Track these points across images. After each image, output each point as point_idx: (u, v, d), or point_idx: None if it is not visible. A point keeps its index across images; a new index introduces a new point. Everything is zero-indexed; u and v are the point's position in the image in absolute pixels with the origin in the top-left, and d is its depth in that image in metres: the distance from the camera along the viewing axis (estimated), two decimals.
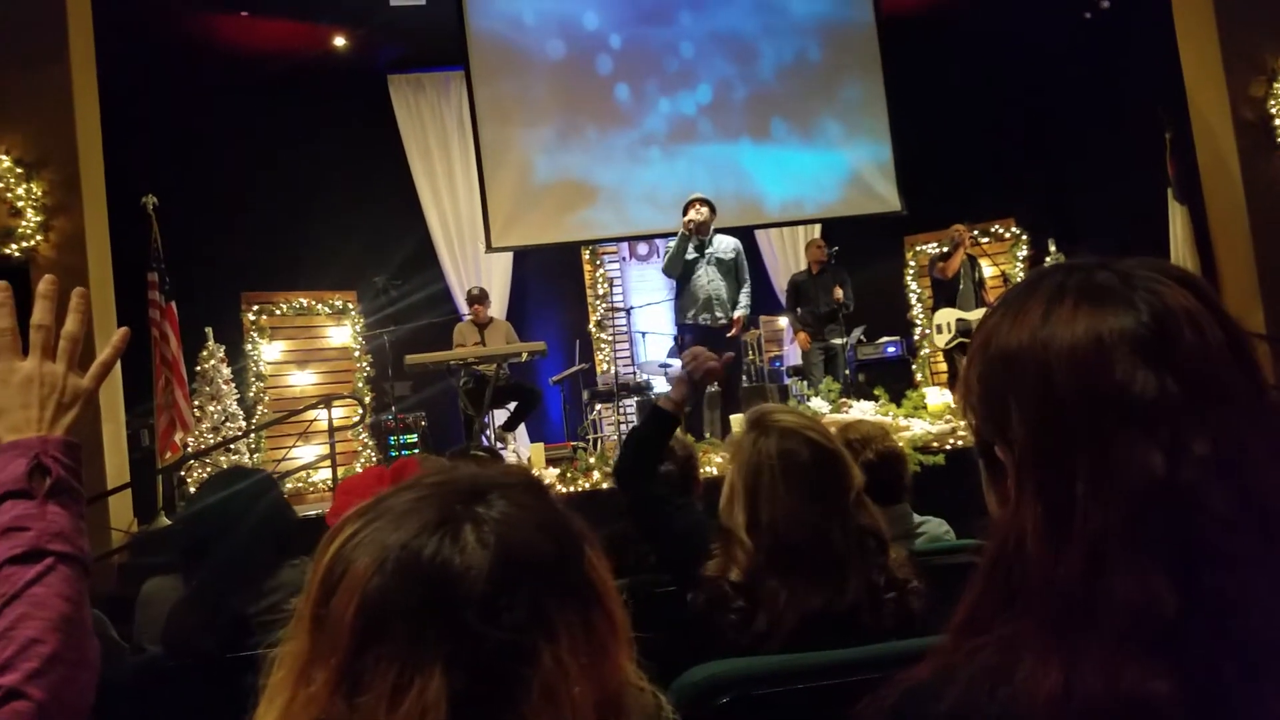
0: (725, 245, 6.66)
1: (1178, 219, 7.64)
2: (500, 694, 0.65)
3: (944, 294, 7.82)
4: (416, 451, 7.45)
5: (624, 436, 2.46)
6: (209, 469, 6.89)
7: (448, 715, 0.63)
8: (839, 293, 7.76)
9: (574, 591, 0.71)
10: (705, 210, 6.55)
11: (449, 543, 0.68)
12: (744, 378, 8.55)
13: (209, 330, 7.92)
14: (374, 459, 8.24)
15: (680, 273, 6.59)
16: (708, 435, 6.41)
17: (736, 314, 6.55)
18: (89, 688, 0.91)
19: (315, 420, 7.78)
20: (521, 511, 0.72)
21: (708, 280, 6.49)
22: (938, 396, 6.23)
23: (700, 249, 6.55)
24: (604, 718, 0.68)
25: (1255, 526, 0.66)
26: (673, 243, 6.66)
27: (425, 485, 0.74)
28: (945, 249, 7.89)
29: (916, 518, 2.83)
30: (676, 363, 7.13)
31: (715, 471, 5.02)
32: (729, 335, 6.51)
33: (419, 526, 0.69)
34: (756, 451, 1.85)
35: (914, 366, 9.34)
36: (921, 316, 9.89)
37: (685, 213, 6.60)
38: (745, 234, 9.32)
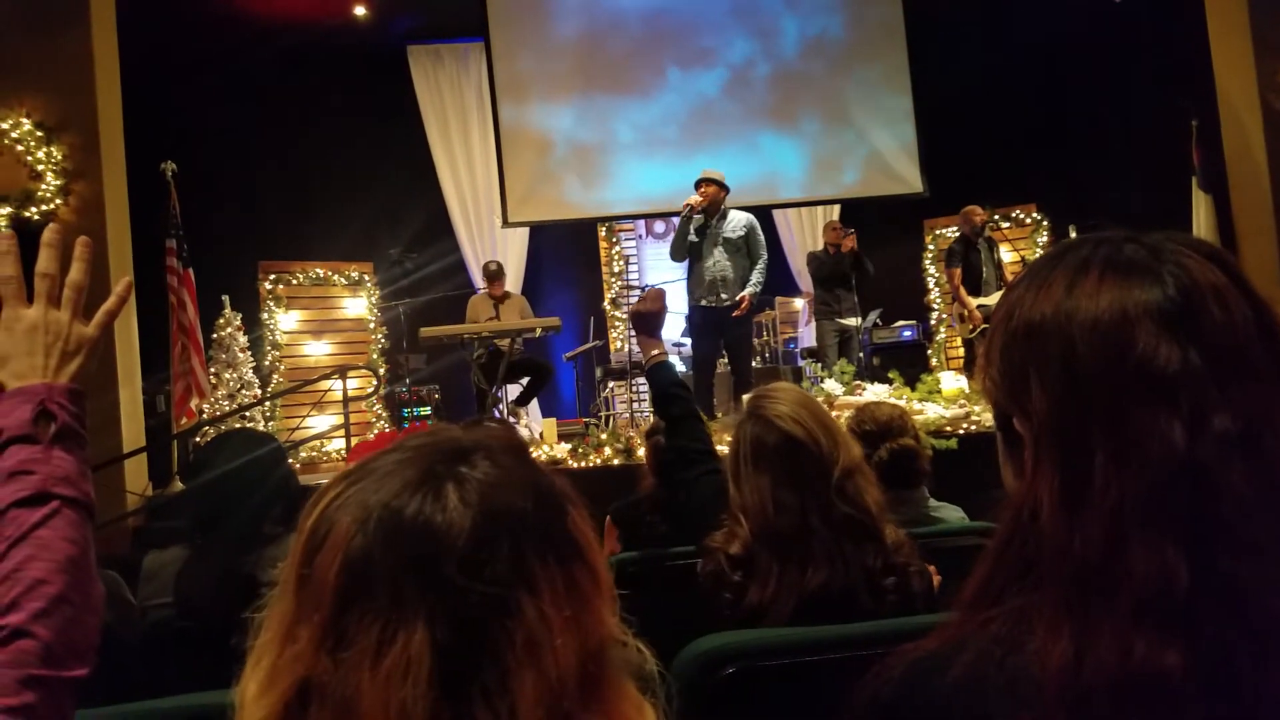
0: (735, 223, 6.43)
1: (1201, 207, 7.56)
2: (483, 646, 0.66)
3: (969, 281, 7.78)
4: (430, 420, 7.49)
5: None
6: None
7: (431, 668, 0.64)
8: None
9: (556, 546, 0.71)
10: (711, 189, 6.36)
11: (431, 501, 0.69)
12: (758, 359, 8.56)
13: (226, 298, 7.96)
14: (387, 430, 8.27)
15: (686, 256, 6.47)
16: (720, 415, 6.40)
17: (745, 292, 6.36)
18: (94, 629, 0.92)
19: (330, 390, 7.81)
20: (504, 471, 0.73)
21: (713, 261, 6.34)
22: (952, 381, 6.21)
23: (704, 230, 6.40)
24: (587, 669, 0.69)
25: (1274, 506, 0.65)
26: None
27: (409, 447, 0.75)
28: (962, 230, 7.86)
29: (934, 503, 2.81)
30: (689, 342, 7.09)
31: (725, 450, 5.01)
32: (735, 314, 6.38)
33: (401, 485, 0.70)
34: (737, 437, 1.88)
35: (929, 351, 9.31)
36: (939, 301, 9.84)
37: (696, 190, 6.43)
38: (764, 214, 9.29)
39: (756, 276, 6.43)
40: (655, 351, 2.35)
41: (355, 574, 0.67)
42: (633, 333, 9.18)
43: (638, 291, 9.13)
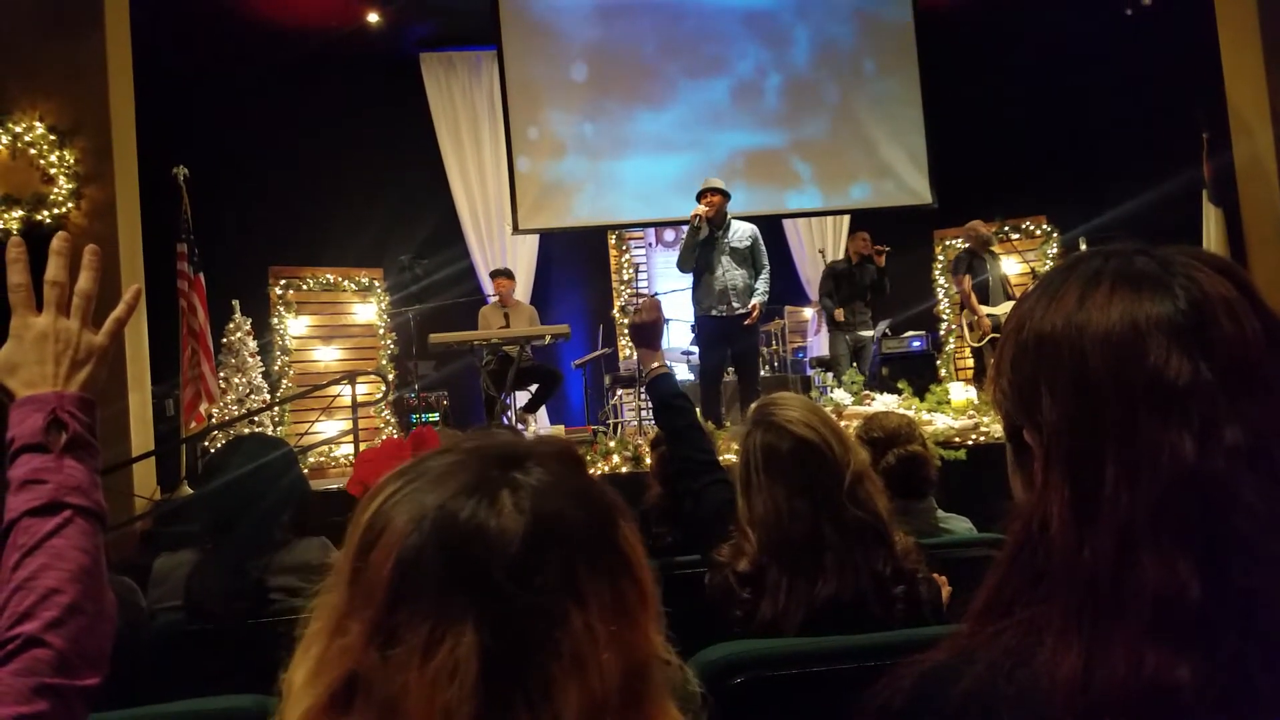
0: (741, 233, 6.43)
1: (1212, 221, 7.54)
2: (530, 654, 0.66)
3: (976, 291, 7.80)
4: (438, 426, 7.49)
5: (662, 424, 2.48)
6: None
7: (477, 672, 0.65)
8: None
9: (605, 560, 0.71)
10: (717, 199, 6.34)
11: (485, 506, 0.69)
12: (767, 368, 8.55)
13: (236, 303, 8.00)
14: (395, 436, 8.29)
15: (694, 265, 6.44)
16: (728, 425, 6.39)
17: (754, 301, 6.35)
18: (106, 637, 0.93)
19: (339, 396, 7.83)
20: (557, 480, 0.73)
21: (722, 271, 6.31)
22: (961, 392, 6.19)
23: (712, 240, 6.37)
24: (630, 685, 0.69)
25: None
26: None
27: (463, 449, 0.75)
28: (968, 244, 7.88)
29: (942, 514, 2.81)
30: (697, 351, 7.09)
31: (734, 459, 5.00)
32: (745, 324, 6.37)
33: (456, 489, 0.70)
34: (747, 446, 1.87)
35: (938, 362, 9.30)
36: (948, 311, 9.83)
37: (699, 201, 6.40)
38: (773, 223, 9.30)
39: (762, 286, 6.43)
40: (655, 364, 2.34)
41: (408, 573, 0.68)
42: (631, 346, 9.26)
43: (641, 301, 9.12)
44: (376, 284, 9.29)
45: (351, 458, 7.65)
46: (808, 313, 9.75)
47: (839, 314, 7.94)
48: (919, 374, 7.47)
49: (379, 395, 8.48)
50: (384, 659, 0.66)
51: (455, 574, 0.67)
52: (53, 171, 5.80)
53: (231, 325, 7.95)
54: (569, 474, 0.74)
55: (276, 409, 8.20)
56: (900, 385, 6.43)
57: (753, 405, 2.00)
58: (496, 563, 0.67)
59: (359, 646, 0.67)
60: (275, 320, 8.72)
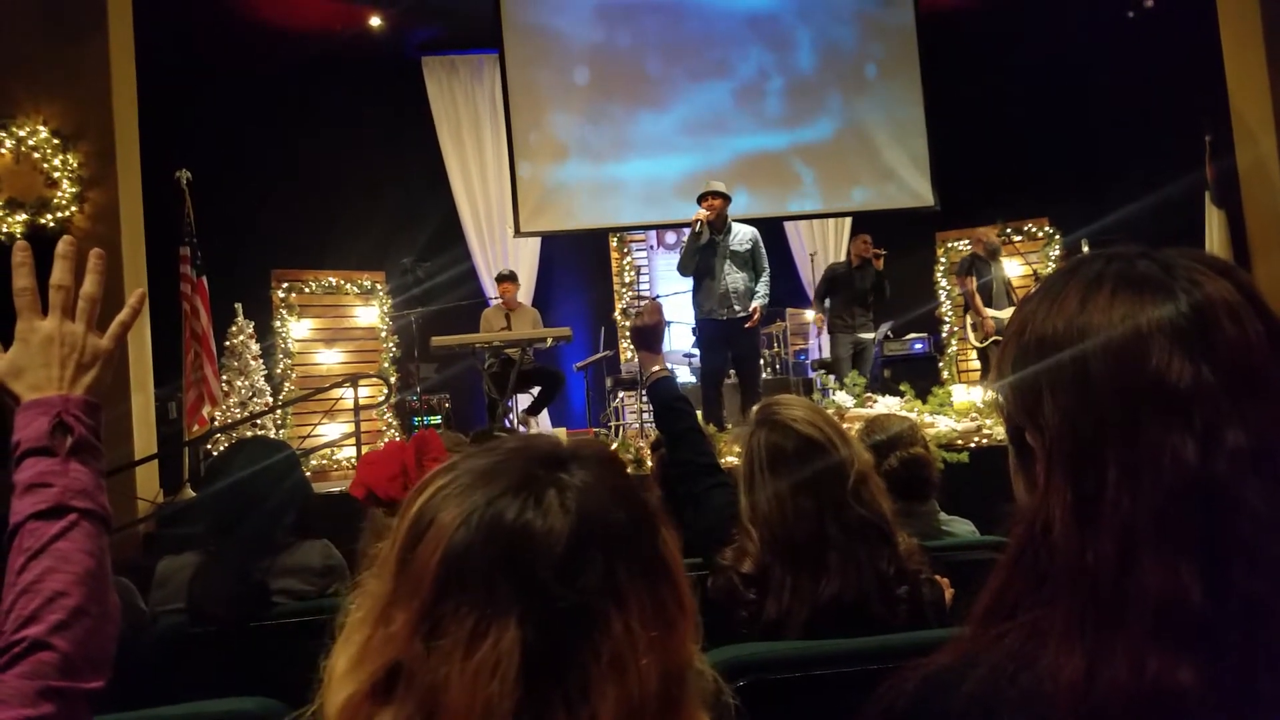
0: (742, 236, 6.43)
1: (1214, 222, 7.53)
2: (570, 654, 0.67)
3: (980, 294, 7.81)
4: (439, 424, 7.50)
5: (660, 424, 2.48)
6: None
7: (519, 668, 0.65)
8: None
9: (647, 564, 0.72)
10: (718, 202, 6.34)
11: (533, 505, 0.71)
12: (768, 370, 8.55)
13: (239, 306, 8.01)
14: (397, 438, 8.28)
15: (695, 269, 6.45)
16: (729, 426, 6.39)
17: (755, 304, 6.36)
18: (111, 640, 0.93)
19: (341, 399, 7.84)
20: (600, 482, 0.74)
21: (723, 275, 6.31)
22: (964, 394, 6.19)
23: (713, 243, 6.36)
24: (667, 691, 0.69)
25: None
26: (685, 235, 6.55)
27: (506, 450, 0.76)
28: (974, 250, 7.89)
29: (944, 516, 2.80)
30: (698, 354, 7.09)
31: (736, 461, 5.00)
32: (747, 327, 6.37)
33: (504, 487, 0.72)
34: (751, 445, 1.86)
35: (940, 364, 9.29)
36: (950, 314, 9.82)
37: (700, 204, 6.40)
38: (775, 225, 9.30)
39: (763, 289, 6.44)
40: (656, 368, 2.34)
41: (455, 566, 0.69)
42: (632, 349, 9.29)
43: (643, 304, 9.14)
44: (379, 287, 9.29)
45: (354, 461, 7.66)
46: (809, 315, 9.75)
47: (818, 320, 7.95)
48: (921, 376, 7.48)
49: (381, 398, 8.49)
50: (428, 649, 0.67)
51: (501, 570, 0.68)
52: (56, 175, 5.82)
53: (234, 328, 7.96)
54: (612, 476, 0.75)
55: (279, 412, 8.21)
56: (902, 387, 6.43)
57: (755, 406, 1.99)
58: (542, 561, 0.68)
59: (403, 636, 0.68)
60: (278, 323, 8.72)
